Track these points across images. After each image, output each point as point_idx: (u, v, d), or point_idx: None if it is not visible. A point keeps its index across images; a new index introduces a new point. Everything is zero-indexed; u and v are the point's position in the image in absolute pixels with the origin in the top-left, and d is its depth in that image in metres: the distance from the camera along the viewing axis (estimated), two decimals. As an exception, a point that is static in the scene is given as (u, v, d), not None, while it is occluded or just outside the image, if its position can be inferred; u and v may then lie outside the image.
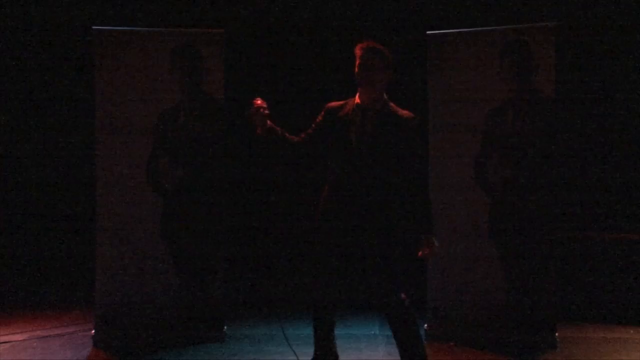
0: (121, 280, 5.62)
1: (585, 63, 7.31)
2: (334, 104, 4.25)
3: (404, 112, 4.21)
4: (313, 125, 4.30)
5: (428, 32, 5.78)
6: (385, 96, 4.22)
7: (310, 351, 4.47)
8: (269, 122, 4.18)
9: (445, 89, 5.70)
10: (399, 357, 4.19)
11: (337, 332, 4.30)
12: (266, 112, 4.15)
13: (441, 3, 7.45)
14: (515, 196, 5.55)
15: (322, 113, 4.26)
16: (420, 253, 4.08)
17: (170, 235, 5.69)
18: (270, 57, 7.70)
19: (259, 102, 4.15)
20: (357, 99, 4.21)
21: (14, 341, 5.80)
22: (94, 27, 5.70)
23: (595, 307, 6.40)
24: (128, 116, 5.65)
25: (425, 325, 5.75)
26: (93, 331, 5.66)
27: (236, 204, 7.22)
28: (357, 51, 4.13)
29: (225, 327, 5.77)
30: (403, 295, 4.15)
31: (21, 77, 7.92)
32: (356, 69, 4.13)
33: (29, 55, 7.89)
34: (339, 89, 4.31)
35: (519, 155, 5.54)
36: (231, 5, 7.72)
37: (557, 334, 5.51)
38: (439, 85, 5.72)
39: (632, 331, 5.97)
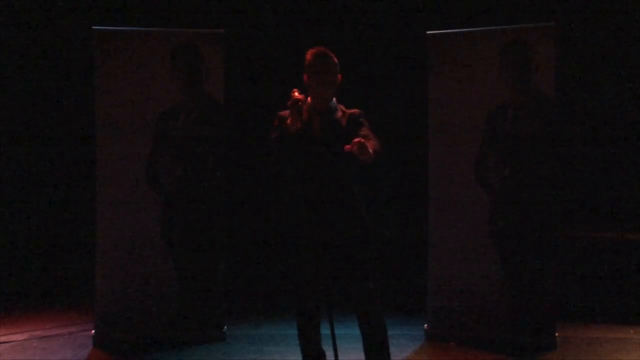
0: (121, 280, 5.62)
1: (585, 63, 7.31)
2: (286, 112, 4.18)
3: (353, 110, 4.29)
4: (274, 133, 4.20)
5: (428, 32, 5.78)
6: (334, 98, 4.29)
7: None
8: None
9: (445, 89, 5.70)
10: (398, 357, 4.20)
11: (337, 332, 4.29)
12: (304, 107, 4.12)
13: (441, 3, 7.45)
14: (515, 196, 5.55)
15: (277, 122, 4.20)
16: (348, 146, 3.95)
17: (170, 235, 5.69)
18: (270, 57, 7.71)
19: (297, 94, 4.08)
20: (310, 104, 4.23)
21: (14, 341, 5.80)
22: (94, 27, 5.70)
23: (595, 307, 6.40)
24: (128, 116, 5.65)
25: (425, 325, 5.75)
26: (93, 331, 5.66)
27: (236, 204, 7.22)
28: (309, 57, 4.21)
29: (225, 327, 5.77)
30: (371, 285, 4.18)
31: (21, 77, 7.93)
32: (307, 75, 4.21)
33: (29, 55, 7.89)
34: (340, 88, 4.30)
35: (519, 155, 5.55)
36: (231, 5, 7.73)
37: (557, 334, 5.51)
38: (439, 85, 5.72)
39: (632, 331, 5.96)
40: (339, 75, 4.25)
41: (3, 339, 5.84)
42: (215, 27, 5.87)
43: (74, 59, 7.70)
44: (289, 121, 4.07)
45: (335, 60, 4.22)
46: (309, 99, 4.24)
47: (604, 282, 6.46)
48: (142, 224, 5.65)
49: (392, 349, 4.24)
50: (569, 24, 6.94)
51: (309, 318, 4.27)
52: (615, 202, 7.21)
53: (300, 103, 4.05)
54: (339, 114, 4.24)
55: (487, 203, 5.61)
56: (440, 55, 5.72)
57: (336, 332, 4.26)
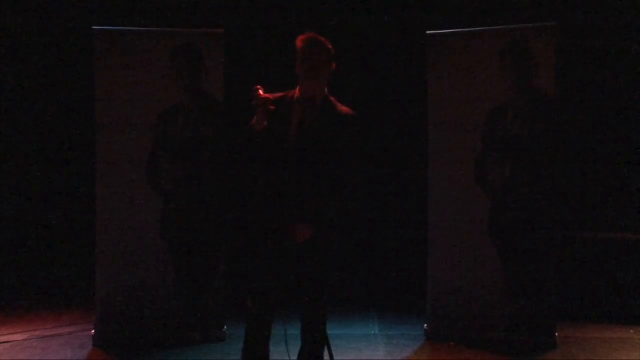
0: (121, 280, 5.62)
1: (585, 63, 7.31)
2: (277, 94, 4.00)
3: (344, 108, 4.00)
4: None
5: (428, 32, 5.78)
6: (326, 90, 4.01)
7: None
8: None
9: (445, 89, 5.70)
10: (399, 357, 4.18)
11: (337, 332, 4.29)
12: (271, 107, 3.89)
13: (441, 3, 7.45)
14: (515, 196, 5.55)
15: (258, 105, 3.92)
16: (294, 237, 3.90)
17: (170, 235, 5.70)
18: (270, 57, 7.70)
19: (262, 92, 3.87)
20: (297, 93, 3.99)
21: (14, 341, 5.80)
22: (94, 27, 5.70)
23: (595, 307, 6.40)
24: (128, 116, 5.65)
25: (425, 325, 5.75)
26: (93, 331, 5.66)
27: (236, 204, 7.21)
28: (299, 43, 3.91)
29: (225, 327, 5.77)
30: (323, 298, 4.06)
31: (21, 77, 7.92)
32: (298, 62, 3.92)
33: (29, 55, 7.89)
34: (339, 88, 4.29)
35: (519, 155, 5.55)
36: (231, 5, 7.73)
37: (557, 334, 5.51)
38: (439, 85, 5.72)
39: (632, 331, 5.97)
40: (333, 64, 3.94)
41: (3, 339, 5.84)
42: (215, 27, 5.87)
43: (74, 59, 7.70)
44: (254, 121, 3.86)
45: (329, 46, 3.92)
46: (297, 88, 4.00)
47: (604, 282, 6.46)
48: (142, 224, 5.65)
49: (392, 349, 4.24)
50: (569, 24, 6.93)
51: (264, 320, 4.13)
52: (615, 202, 7.21)
53: (268, 102, 3.82)
54: (329, 108, 3.96)
55: (487, 203, 5.61)
56: (440, 55, 5.72)
57: (336, 332, 4.26)
